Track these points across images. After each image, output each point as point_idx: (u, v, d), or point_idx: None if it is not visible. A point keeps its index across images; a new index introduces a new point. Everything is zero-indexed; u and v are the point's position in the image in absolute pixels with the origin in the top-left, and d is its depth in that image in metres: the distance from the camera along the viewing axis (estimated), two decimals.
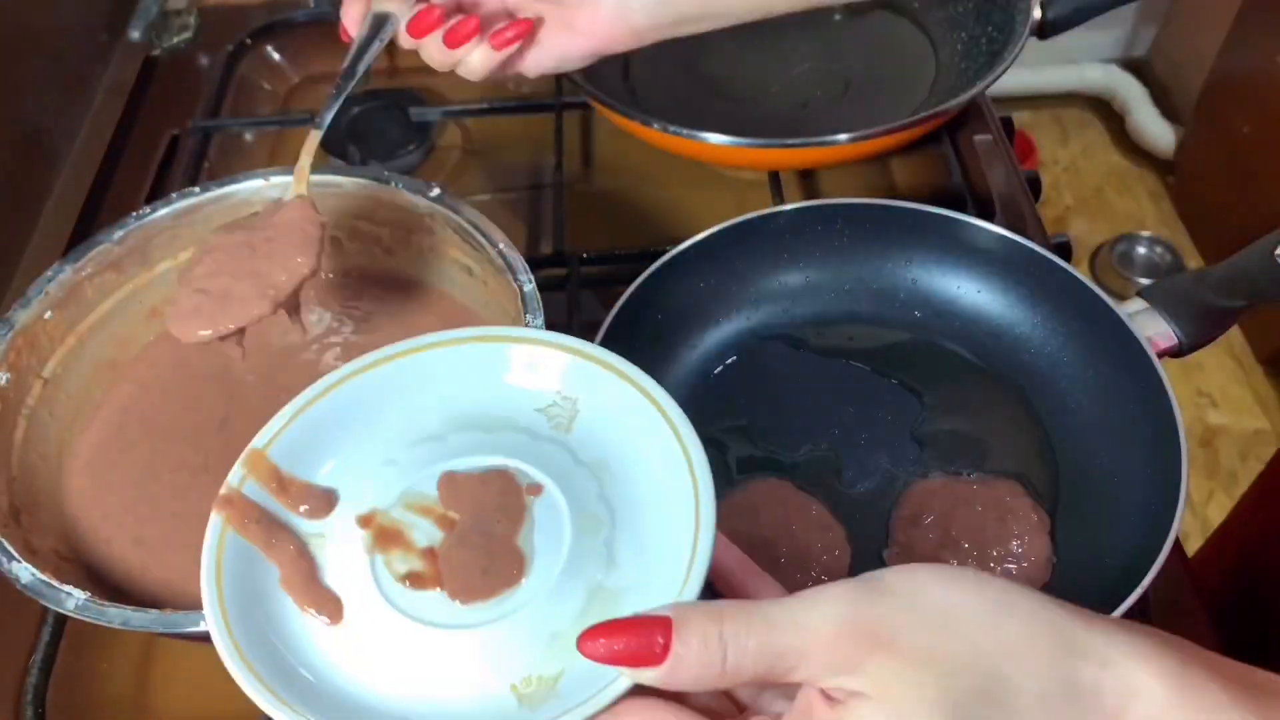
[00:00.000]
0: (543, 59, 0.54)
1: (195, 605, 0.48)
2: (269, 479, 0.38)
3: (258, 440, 0.39)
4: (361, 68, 0.54)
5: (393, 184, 0.58)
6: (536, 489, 0.38)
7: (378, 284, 0.63)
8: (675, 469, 0.37)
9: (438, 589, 0.36)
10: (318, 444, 0.40)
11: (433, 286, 0.63)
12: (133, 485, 0.55)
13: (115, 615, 0.43)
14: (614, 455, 0.39)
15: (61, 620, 0.57)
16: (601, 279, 0.71)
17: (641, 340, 0.63)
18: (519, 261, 0.54)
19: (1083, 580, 0.54)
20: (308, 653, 0.36)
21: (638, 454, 0.39)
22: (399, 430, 0.40)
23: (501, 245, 0.55)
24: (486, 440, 0.40)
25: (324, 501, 0.39)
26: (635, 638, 0.31)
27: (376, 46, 0.54)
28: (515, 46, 0.53)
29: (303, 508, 0.38)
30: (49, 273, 0.55)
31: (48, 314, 0.54)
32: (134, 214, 0.58)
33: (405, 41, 0.53)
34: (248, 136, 0.90)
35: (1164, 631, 0.31)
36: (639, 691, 0.32)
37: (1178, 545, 0.54)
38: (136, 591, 0.50)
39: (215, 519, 0.37)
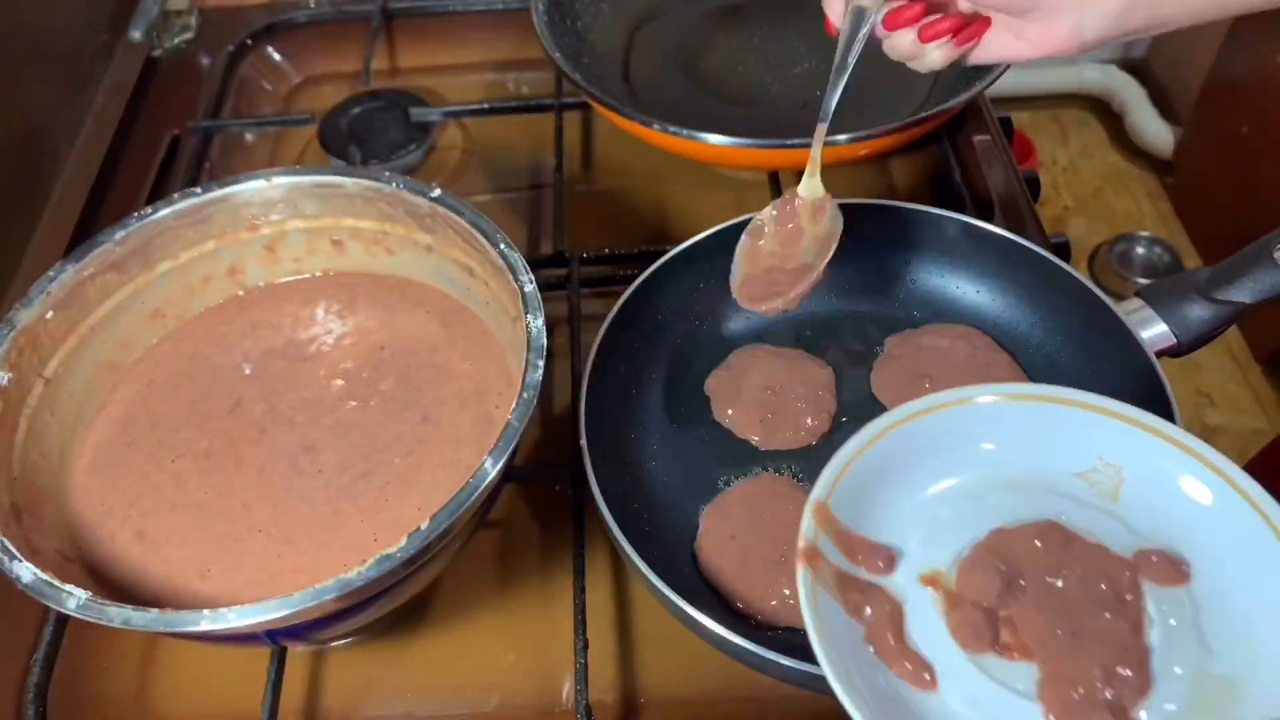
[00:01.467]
0: (985, 56, 0.56)
1: (195, 603, 0.49)
2: (837, 536, 0.37)
3: (818, 492, 0.37)
4: (851, 59, 0.56)
5: (393, 184, 0.58)
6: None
7: (378, 284, 0.64)
8: (1259, 544, 0.34)
9: (1028, 660, 0.33)
10: (866, 497, 0.39)
11: (433, 286, 0.63)
12: (136, 479, 0.55)
13: (116, 615, 0.43)
14: (1175, 529, 0.36)
15: (63, 619, 0.57)
16: (601, 279, 0.72)
17: (641, 340, 0.63)
18: (519, 261, 0.54)
19: None
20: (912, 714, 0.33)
21: (1205, 527, 0.36)
22: (937, 486, 0.39)
23: (502, 245, 0.55)
24: (1027, 503, 0.38)
25: (887, 558, 0.37)
26: None
27: (862, 36, 0.55)
28: (973, 43, 0.55)
29: (867, 564, 0.37)
30: (51, 273, 0.55)
31: (49, 314, 0.55)
32: (135, 214, 0.58)
33: (879, 32, 0.56)
34: (249, 136, 0.90)
35: None
36: None
37: None
38: (138, 589, 0.51)
39: (803, 572, 0.36)
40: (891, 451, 0.39)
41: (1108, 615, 0.34)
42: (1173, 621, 0.35)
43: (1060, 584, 0.35)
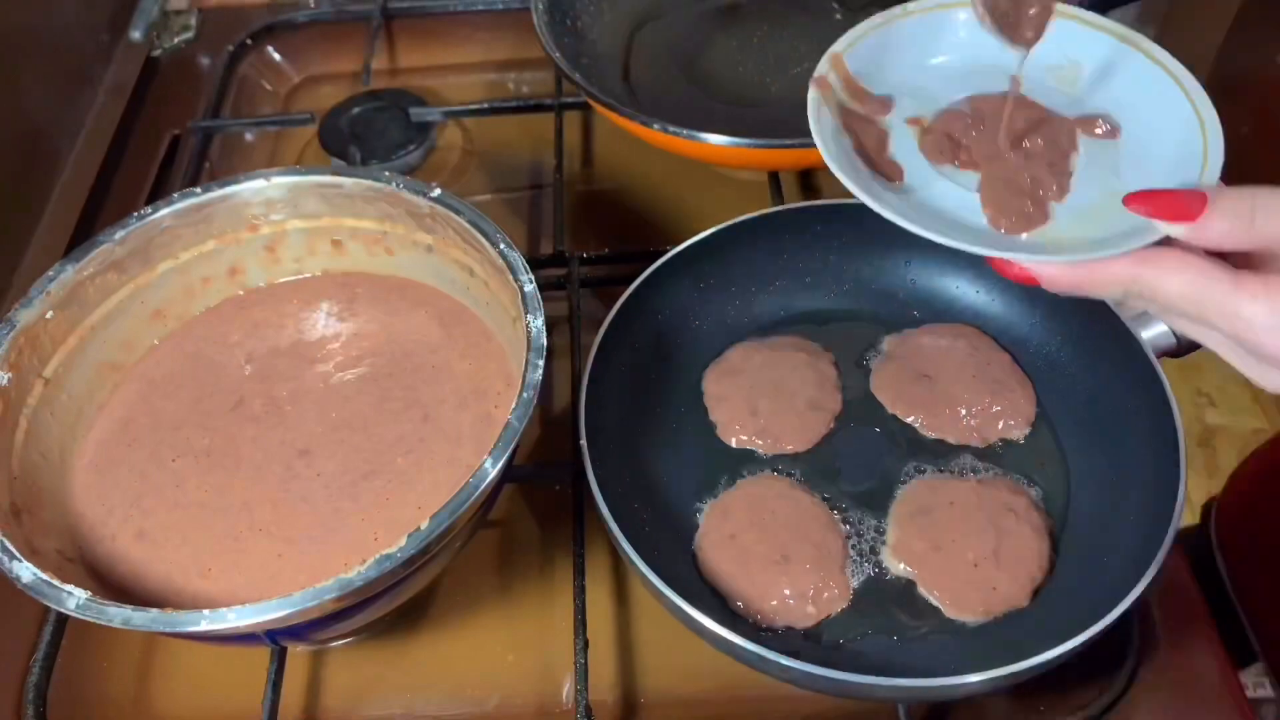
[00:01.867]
0: None
1: (195, 603, 0.49)
2: (845, 79, 0.49)
3: (837, 46, 0.49)
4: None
5: (393, 184, 0.58)
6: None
7: (378, 284, 0.64)
8: (1172, 108, 0.46)
9: (976, 170, 0.46)
10: (877, 61, 0.50)
11: (433, 286, 0.63)
12: (137, 478, 0.55)
13: (116, 614, 0.43)
14: (1115, 105, 0.48)
15: (63, 619, 0.57)
16: (601, 279, 0.72)
17: (641, 340, 0.63)
18: (519, 261, 0.54)
19: (1082, 580, 0.54)
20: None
21: (1133, 97, 0.48)
22: (935, 66, 0.51)
23: (502, 245, 0.55)
24: (1002, 84, 0.48)
25: (881, 106, 0.49)
26: (1175, 200, 0.39)
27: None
28: None
29: (866, 107, 0.49)
30: (50, 273, 0.55)
31: (49, 314, 0.55)
32: (135, 214, 0.58)
33: None
34: (248, 136, 0.91)
35: None
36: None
37: (1178, 545, 0.54)
38: (138, 589, 0.51)
39: (813, 92, 0.48)
40: (906, 35, 0.50)
41: (1043, 144, 0.47)
42: (1095, 160, 0.47)
43: (1014, 124, 0.47)
